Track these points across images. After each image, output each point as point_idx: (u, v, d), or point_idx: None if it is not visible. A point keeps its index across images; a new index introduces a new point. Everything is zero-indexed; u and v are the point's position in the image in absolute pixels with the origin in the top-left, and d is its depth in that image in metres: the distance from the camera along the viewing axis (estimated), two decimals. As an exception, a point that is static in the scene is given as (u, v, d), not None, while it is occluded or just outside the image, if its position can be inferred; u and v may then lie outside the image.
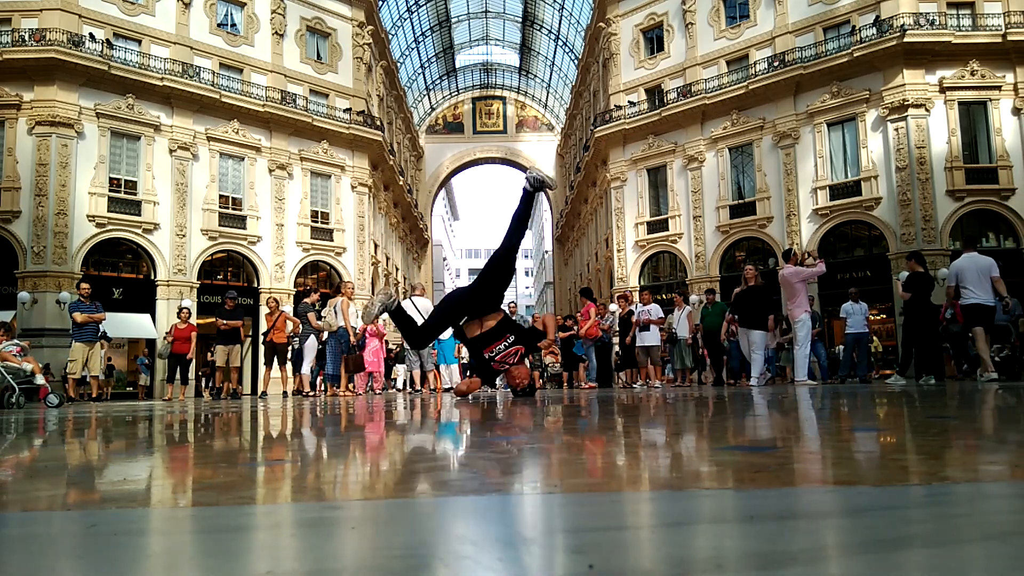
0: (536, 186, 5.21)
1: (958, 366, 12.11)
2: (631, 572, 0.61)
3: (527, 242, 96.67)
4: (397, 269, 36.19)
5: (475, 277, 5.54)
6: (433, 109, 46.39)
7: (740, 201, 25.41)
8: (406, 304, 12.49)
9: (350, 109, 28.19)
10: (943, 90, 21.53)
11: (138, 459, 2.02)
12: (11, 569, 0.67)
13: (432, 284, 49.93)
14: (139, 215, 22.36)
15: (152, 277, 22.72)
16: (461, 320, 5.39)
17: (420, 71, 43.05)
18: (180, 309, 12.96)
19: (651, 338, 11.98)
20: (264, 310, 12.13)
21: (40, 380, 9.25)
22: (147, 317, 22.04)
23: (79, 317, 11.20)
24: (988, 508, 0.90)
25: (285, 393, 12.69)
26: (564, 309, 42.53)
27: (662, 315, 12.55)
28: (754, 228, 24.92)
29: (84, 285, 11.84)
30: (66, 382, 12.25)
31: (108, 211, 21.66)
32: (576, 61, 38.10)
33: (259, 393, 11.83)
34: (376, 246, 30.34)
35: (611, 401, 5.08)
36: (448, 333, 13.51)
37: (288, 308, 21.58)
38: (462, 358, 13.79)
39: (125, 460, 2.02)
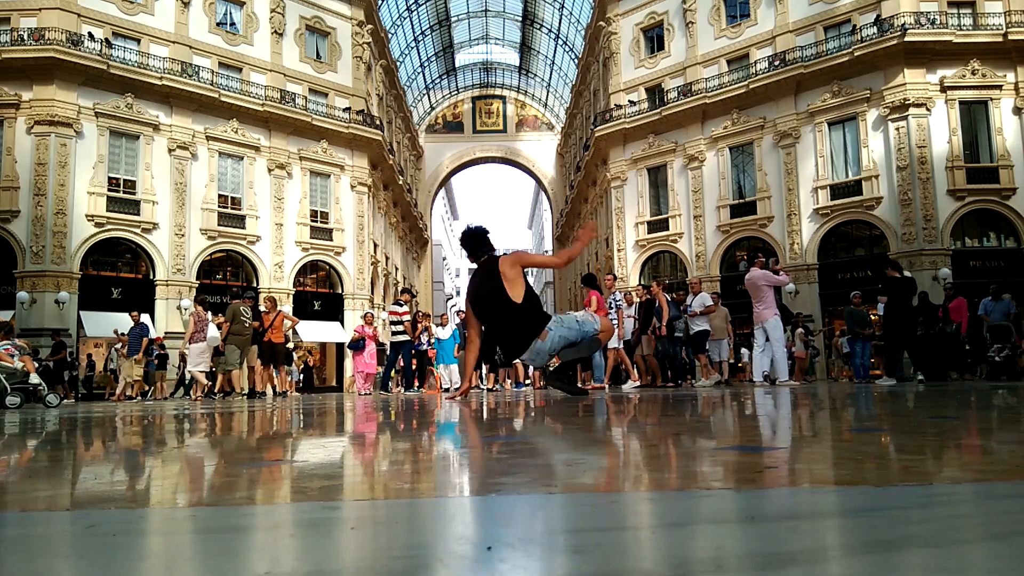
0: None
1: (957, 367, 12.10)
2: (631, 572, 0.61)
3: (527, 242, 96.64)
4: (397, 269, 36.18)
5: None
6: (433, 108, 46.37)
7: (741, 201, 25.41)
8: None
9: (349, 108, 28.19)
10: (944, 89, 21.54)
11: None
12: (10, 569, 0.67)
13: (432, 283, 49.92)
14: (138, 215, 22.37)
15: (151, 277, 22.72)
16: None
17: (420, 70, 43.04)
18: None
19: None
20: (261, 308, 12.11)
21: (35, 380, 9.23)
22: (146, 317, 22.02)
23: None
24: (988, 508, 0.90)
25: (284, 393, 12.70)
26: (564, 308, 42.55)
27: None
28: (755, 228, 24.92)
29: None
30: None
31: (107, 211, 21.67)
32: (576, 60, 38.10)
33: (256, 394, 11.83)
34: (376, 246, 30.35)
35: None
36: (448, 333, 13.55)
37: (288, 308, 21.67)
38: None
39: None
